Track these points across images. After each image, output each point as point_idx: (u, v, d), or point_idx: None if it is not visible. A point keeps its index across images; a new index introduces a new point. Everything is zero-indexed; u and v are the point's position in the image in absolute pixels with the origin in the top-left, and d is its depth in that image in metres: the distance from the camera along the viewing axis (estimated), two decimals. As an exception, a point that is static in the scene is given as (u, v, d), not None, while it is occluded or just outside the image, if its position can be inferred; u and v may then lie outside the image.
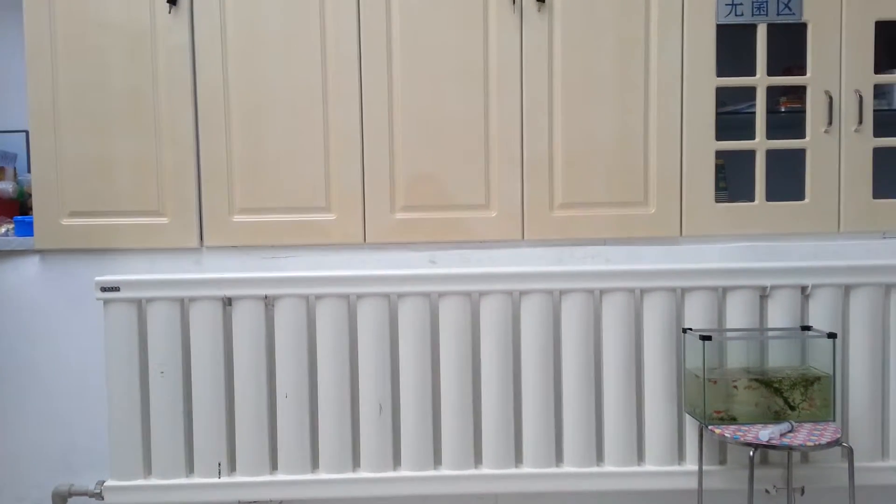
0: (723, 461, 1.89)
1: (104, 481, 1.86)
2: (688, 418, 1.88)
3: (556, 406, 1.89)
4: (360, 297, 1.85)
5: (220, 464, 1.85)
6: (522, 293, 1.85)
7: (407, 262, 1.95)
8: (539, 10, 1.90)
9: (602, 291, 1.87)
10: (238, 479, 1.85)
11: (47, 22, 1.91)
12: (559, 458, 1.90)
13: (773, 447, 1.66)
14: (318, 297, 1.85)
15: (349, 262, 1.94)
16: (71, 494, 1.91)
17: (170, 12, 1.90)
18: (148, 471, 1.87)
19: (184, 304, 1.86)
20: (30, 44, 1.91)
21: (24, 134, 2.32)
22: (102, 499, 1.85)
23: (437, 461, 1.89)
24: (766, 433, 1.67)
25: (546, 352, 1.86)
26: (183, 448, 1.86)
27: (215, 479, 1.85)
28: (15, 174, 2.21)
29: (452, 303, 1.84)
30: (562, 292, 1.86)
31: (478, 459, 1.90)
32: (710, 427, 1.74)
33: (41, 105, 1.91)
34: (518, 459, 1.90)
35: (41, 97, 1.91)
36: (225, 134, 1.92)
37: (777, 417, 1.77)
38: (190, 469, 1.88)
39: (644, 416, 1.89)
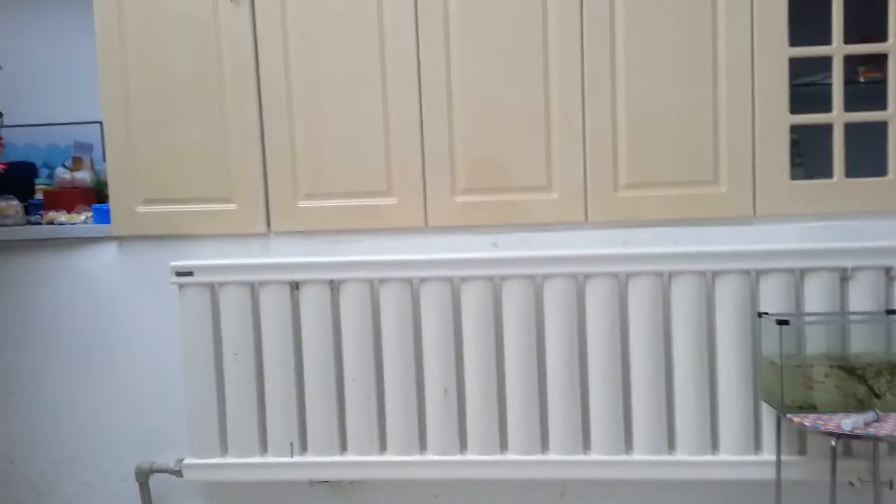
0: (802, 451, 1.81)
1: (183, 459, 1.93)
2: (765, 406, 1.81)
3: (624, 392, 1.85)
4: (422, 280, 1.85)
5: (292, 444, 1.90)
6: (587, 276, 1.82)
7: (469, 246, 1.94)
8: None
9: (671, 274, 1.81)
10: (309, 458, 1.89)
11: (116, 15, 1.97)
12: (629, 446, 1.86)
13: (858, 437, 1.59)
14: (382, 281, 1.86)
15: (411, 246, 1.95)
16: (153, 471, 2.00)
17: (232, 1, 1.93)
18: (224, 450, 1.93)
19: (254, 289, 1.90)
20: (100, 37, 1.98)
21: (98, 125, 2.41)
22: (182, 476, 1.92)
23: (504, 446, 1.89)
24: (849, 422, 1.59)
25: (613, 337, 1.82)
26: (257, 428, 1.91)
27: (288, 459, 1.89)
28: (92, 164, 2.30)
29: (515, 286, 1.82)
30: (628, 275, 1.81)
31: (545, 445, 1.88)
32: (788, 416, 1.67)
33: (113, 96, 1.98)
34: (586, 446, 1.87)
35: (113, 89, 1.98)
36: (288, 121, 1.94)
37: (861, 406, 1.69)
38: (264, 448, 1.93)
39: (718, 403, 1.83)
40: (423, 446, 1.90)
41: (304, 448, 1.92)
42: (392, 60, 1.91)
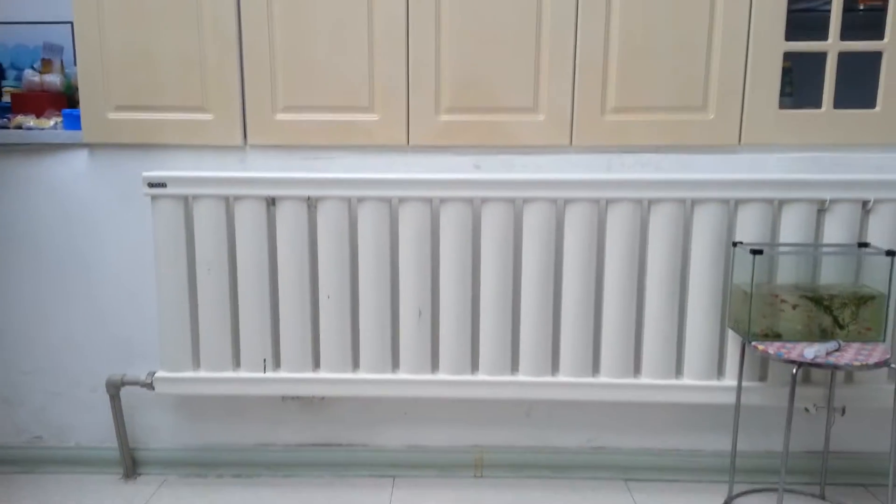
0: (763, 378, 1.87)
1: (155, 372, 1.95)
2: (731, 334, 1.85)
3: (595, 316, 1.88)
4: (402, 200, 1.83)
5: (265, 360, 1.92)
6: (567, 201, 1.81)
7: (450, 167, 1.91)
8: None
9: (650, 201, 1.81)
10: (282, 374, 1.92)
11: None
12: (596, 369, 1.91)
13: (818, 366, 1.63)
14: (360, 199, 1.84)
15: (392, 164, 1.92)
16: (124, 384, 2.01)
17: None
18: (197, 364, 1.95)
19: (229, 203, 1.88)
20: (68, -69, 1.86)
21: (69, 25, 2.30)
22: (153, 388, 1.94)
23: (475, 366, 1.93)
24: (811, 351, 1.64)
25: (589, 263, 1.83)
26: (230, 343, 1.92)
27: (260, 374, 1.92)
28: (62, 67, 2.21)
29: (495, 209, 1.81)
30: (608, 201, 1.81)
31: (514, 366, 1.92)
32: (753, 343, 1.71)
33: (83, -5, 1.88)
34: (555, 368, 1.92)
35: (82, -13, 1.88)
36: (267, 29, 1.86)
37: (824, 336, 1.73)
38: (237, 363, 1.95)
39: (685, 329, 1.87)
40: (395, 365, 1.94)
41: (277, 364, 1.95)
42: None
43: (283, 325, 1.90)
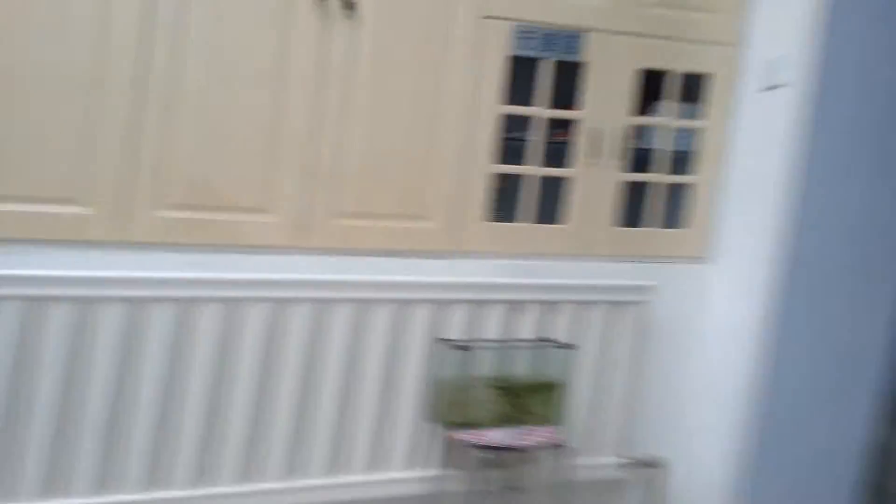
0: (462, 466, 2.03)
1: None
2: (434, 425, 2.02)
3: (303, 416, 1.92)
4: (92, 301, 1.69)
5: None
6: (288, 302, 1.87)
7: (165, 265, 1.80)
8: (348, 18, 1.88)
9: (369, 302, 1.95)
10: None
11: None
12: (305, 470, 1.92)
13: (508, 449, 1.89)
14: (52, 299, 1.66)
15: (113, 261, 1.77)
16: None
17: None
18: None
19: None
20: None
21: None
22: None
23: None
24: (500, 436, 1.90)
25: (305, 362, 1.90)
26: None
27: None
28: None
29: (210, 310, 1.79)
30: (329, 302, 1.91)
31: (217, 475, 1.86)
32: (450, 433, 1.93)
33: None
34: (261, 474, 1.89)
35: None
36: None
37: (513, 422, 2.00)
38: None
39: (395, 424, 1.99)
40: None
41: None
42: (115, 58, 1.72)
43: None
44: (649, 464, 2.31)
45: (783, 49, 2.10)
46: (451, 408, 1.95)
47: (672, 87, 2.22)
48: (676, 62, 2.19)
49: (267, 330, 1.87)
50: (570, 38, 2.07)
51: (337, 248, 1.99)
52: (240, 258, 1.91)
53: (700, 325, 2.34)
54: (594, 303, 2.15)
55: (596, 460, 2.20)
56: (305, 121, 1.90)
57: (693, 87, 2.26)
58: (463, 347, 1.94)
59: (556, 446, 1.93)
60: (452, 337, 2.03)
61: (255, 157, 1.89)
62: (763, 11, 2.18)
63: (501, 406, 2.00)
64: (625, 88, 2.14)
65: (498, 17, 2.01)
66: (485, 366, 2.05)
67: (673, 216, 2.34)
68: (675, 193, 2.31)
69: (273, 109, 1.87)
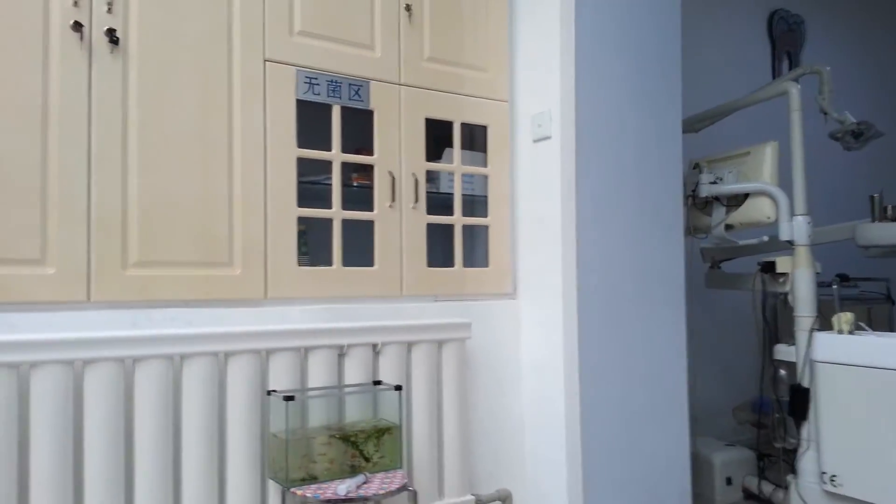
0: None
1: None
2: (271, 482, 1.85)
3: (127, 479, 1.67)
4: None
5: None
6: (86, 362, 1.62)
7: None
8: (112, 53, 1.77)
9: (182, 356, 1.75)
10: None
11: None
12: None
13: (351, 500, 1.74)
14: None
15: None
16: None
17: None
18: None
19: None
20: None
21: None
22: None
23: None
24: (343, 487, 1.74)
25: (117, 426, 1.65)
26: None
27: None
28: None
29: None
30: (135, 360, 1.68)
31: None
32: (292, 490, 1.74)
33: None
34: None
35: None
36: None
37: (354, 471, 1.87)
38: None
39: (227, 484, 1.80)
40: None
41: None
42: None
43: None
44: (495, 499, 2.27)
45: (545, 105, 2.38)
46: (289, 463, 1.75)
47: (457, 137, 2.39)
48: (457, 114, 2.38)
49: (60, 394, 1.59)
50: (354, 85, 2.16)
51: (132, 300, 1.78)
52: (20, 317, 1.63)
53: (516, 358, 2.43)
54: (416, 343, 2.14)
55: (440, 502, 2.12)
56: (73, 162, 1.73)
57: (478, 137, 2.47)
58: (291, 398, 1.78)
59: (400, 490, 1.83)
60: (280, 388, 1.86)
61: (26, 205, 1.66)
62: (525, 72, 2.48)
63: (340, 455, 1.85)
64: (413, 136, 2.27)
65: (280, 62, 2.03)
66: (318, 415, 1.91)
67: (477, 256, 2.46)
68: (477, 234, 2.43)
69: (38, 150, 1.68)
